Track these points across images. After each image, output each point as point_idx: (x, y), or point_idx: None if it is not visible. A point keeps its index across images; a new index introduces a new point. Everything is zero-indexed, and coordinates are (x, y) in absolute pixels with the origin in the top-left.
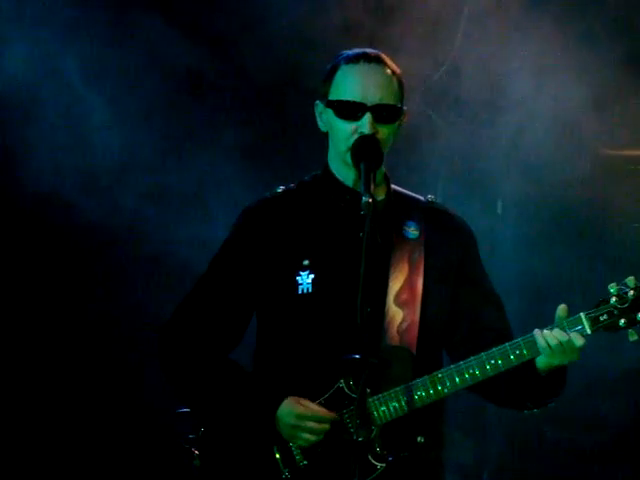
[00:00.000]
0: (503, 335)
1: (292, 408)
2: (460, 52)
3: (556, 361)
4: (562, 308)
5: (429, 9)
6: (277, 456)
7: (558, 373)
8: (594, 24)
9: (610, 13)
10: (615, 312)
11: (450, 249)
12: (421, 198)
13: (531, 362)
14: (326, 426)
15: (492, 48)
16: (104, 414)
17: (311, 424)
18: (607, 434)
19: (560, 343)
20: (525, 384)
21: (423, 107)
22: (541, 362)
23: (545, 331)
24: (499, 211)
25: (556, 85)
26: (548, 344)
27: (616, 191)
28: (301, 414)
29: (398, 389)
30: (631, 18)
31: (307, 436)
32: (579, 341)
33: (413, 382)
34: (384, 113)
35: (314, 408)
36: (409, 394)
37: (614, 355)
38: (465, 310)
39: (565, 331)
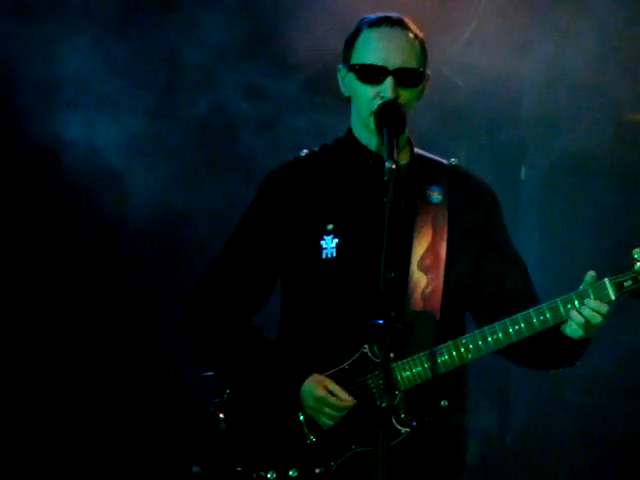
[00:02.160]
0: (528, 298)
1: (313, 389)
2: (481, 19)
3: (582, 327)
4: (591, 274)
5: None
6: (302, 419)
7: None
8: None
9: None
10: None
11: (473, 213)
12: (444, 162)
13: (556, 327)
14: (344, 412)
15: (512, 15)
16: (130, 383)
17: (329, 410)
18: (630, 400)
19: (585, 309)
20: (552, 346)
21: (447, 74)
22: (567, 329)
23: (575, 296)
24: (522, 177)
25: (578, 48)
26: (573, 310)
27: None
28: (321, 398)
29: (422, 354)
30: None
31: (325, 420)
32: (603, 307)
33: (437, 347)
34: (406, 77)
35: (334, 393)
36: (433, 359)
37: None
38: (489, 274)
39: (589, 296)
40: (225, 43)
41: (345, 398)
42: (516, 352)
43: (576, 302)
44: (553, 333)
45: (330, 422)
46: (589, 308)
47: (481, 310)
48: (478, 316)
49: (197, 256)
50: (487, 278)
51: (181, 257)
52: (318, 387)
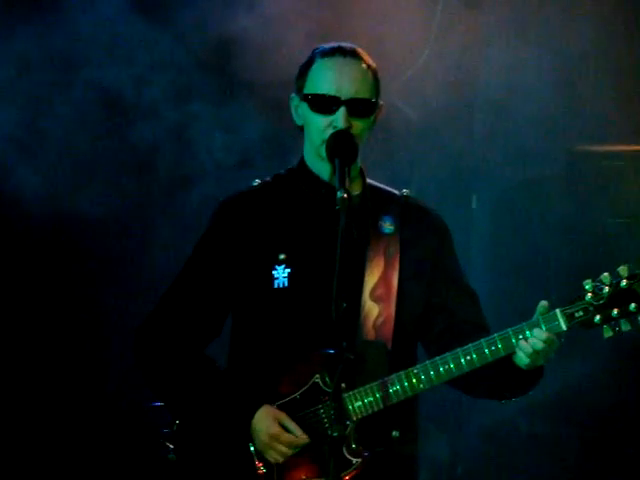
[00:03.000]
0: (479, 328)
1: (267, 425)
2: (433, 50)
3: (531, 357)
4: (542, 305)
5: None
6: (252, 450)
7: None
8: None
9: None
10: (590, 309)
11: (425, 244)
12: (396, 192)
13: (509, 357)
14: (297, 449)
15: (464, 47)
16: (77, 411)
17: (282, 448)
18: (583, 427)
19: (534, 339)
20: (503, 377)
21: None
22: (519, 360)
23: (526, 327)
24: (474, 205)
25: (529, 83)
26: (524, 339)
27: (591, 187)
28: (275, 435)
29: (373, 384)
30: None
31: (277, 456)
32: (553, 338)
33: (388, 377)
34: (359, 107)
35: (289, 430)
36: (384, 389)
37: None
38: (440, 305)
39: (541, 327)
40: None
41: (300, 436)
42: (468, 382)
43: (527, 332)
44: (505, 363)
45: (281, 459)
46: (538, 339)
47: (432, 340)
48: (429, 346)
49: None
50: (438, 308)
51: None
52: (273, 423)
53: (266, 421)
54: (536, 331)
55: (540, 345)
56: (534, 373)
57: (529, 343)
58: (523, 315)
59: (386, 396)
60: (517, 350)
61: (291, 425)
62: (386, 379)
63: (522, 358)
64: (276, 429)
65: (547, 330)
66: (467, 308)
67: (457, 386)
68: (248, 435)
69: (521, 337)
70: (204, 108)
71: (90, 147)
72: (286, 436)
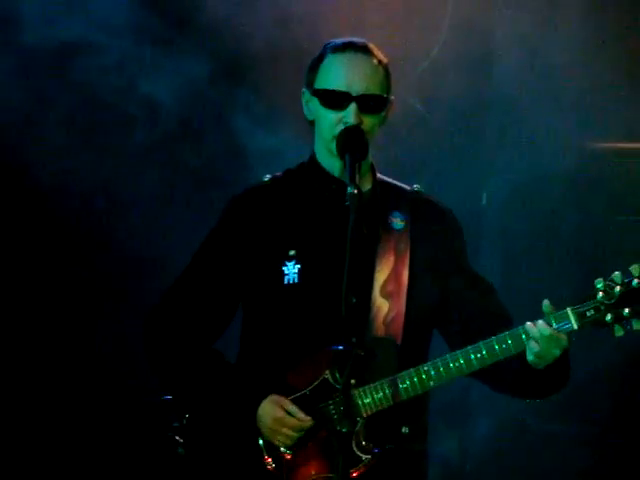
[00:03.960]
0: (503, 318)
1: (271, 410)
2: (446, 43)
3: (542, 354)
4: (546, 304)
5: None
6: (261, 444)
7: (557, 366)
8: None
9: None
10: (602, 308)
11: (436, 239)
12: (407, 188)
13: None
14: (302, 433)
15: (478, 43)
16: (88, 405)
17: (287, 431)
18: (592, 425)
19: (546, 337)
20: (519, 376)
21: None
22: (530, 357)
23: (528, 323)
24: (484, 202)
25: (543, 79)
26: (534, 338)
27: (602, 185)
28: (279, 419)
29: (383, 381)
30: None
31: (283, 440)
32: (564, 336)
33: (398, 374)
34: (370, 103)
35: (292, 414)
36: (394, 386)
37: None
38: (458, 299)
39: (551, 325)
40: None
41: (303, 418)
42: (491, 379)
43: (538, 330)
44: (521, 361)
45: (288, 442)
46: (543, 335)
47: (455, 335)
48: (452, 341)
49: None
50: (456, 302)
51: None
52: (276, 408)
53: (270, 408)
54: (544, 329)
55: (545, 342)
56: (548, 374)
57: (536, 341)
58: (534, 310)
59: (396, 393)
60: (526, 347)
61: (294, 409)
62: (396, 376)
63: (528, 355)
64: (280, 413)
65: (558, 329)
66: (486, 299)
67: (482, 379)
68: (255, 426)
69: (531, 335)
70: None
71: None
72: (290, 419)
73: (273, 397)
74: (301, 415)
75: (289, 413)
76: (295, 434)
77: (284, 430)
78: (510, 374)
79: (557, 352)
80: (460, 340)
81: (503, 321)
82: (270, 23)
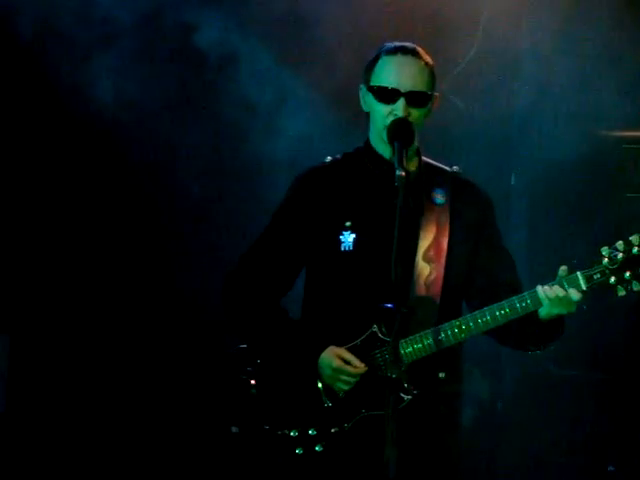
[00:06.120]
0: (513, 289)
1: (330, 360)
2: (480, 48)
3: (555, 311)
4: (563, 268)
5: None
6: (320, 387)
7: (557, 322)
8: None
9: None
10: (607, 272)
11: (472, 214)
12: (447, 169)
13: (535, 313)
14: (358, 378)
15: (507, 28)
16: (174, 354)
17: (345, 377)
18: (606, 371)
19: (558, 296)
20: (530, 330)
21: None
22: (543, 312)
23: (546, 286)
24: (513, 182)
25: (566, 65)
26: (548, 297)
27: (614, 170)
28: (337, 367)
29: (423, 333)
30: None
31: (341, 385)
32: (575, 295)
33: (435, 327)
34: (416, 98)
35: (349, 362)
36: (432, 337)
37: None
38: (482, 266)
39: (563, 287)
40: None
41: (358, 365)
42: (503, 334)
43: (552, 290)
44: (531, 318)
45: (346, 387)
46: (562, 296)
47: (473, 296)
48: (470, 302)
49: None
50: (480, 269)
51: None
52: (335, 358)
53: (329, 358)
54: (559, 290)
55: (557, 301)
56: (554, 327)
57: (550, 299)
58: (554, 276)
59: (434, 343)
60: (543, 302)
61: (351, 357)
62: (433, 329)
63: (541, 310)
64: (338, 362)
65: (569, 287)
66: (504, 271)
67: (494, 337)
68: (316, 372)
69: (547, 295)
70: None
71: None
72: (347, 367)
73: (331, 348)
74: (357, 362)
75: (346, 361)
76: (352, 379)
77: (342, 377)
78: (516, 329)
79: (569, 308)
80: (477, 303)
81: (517, 292)
82: None
